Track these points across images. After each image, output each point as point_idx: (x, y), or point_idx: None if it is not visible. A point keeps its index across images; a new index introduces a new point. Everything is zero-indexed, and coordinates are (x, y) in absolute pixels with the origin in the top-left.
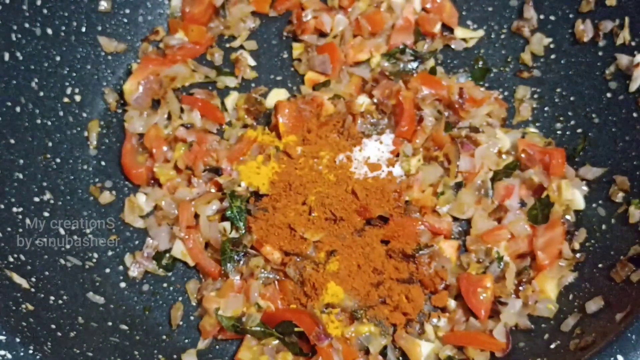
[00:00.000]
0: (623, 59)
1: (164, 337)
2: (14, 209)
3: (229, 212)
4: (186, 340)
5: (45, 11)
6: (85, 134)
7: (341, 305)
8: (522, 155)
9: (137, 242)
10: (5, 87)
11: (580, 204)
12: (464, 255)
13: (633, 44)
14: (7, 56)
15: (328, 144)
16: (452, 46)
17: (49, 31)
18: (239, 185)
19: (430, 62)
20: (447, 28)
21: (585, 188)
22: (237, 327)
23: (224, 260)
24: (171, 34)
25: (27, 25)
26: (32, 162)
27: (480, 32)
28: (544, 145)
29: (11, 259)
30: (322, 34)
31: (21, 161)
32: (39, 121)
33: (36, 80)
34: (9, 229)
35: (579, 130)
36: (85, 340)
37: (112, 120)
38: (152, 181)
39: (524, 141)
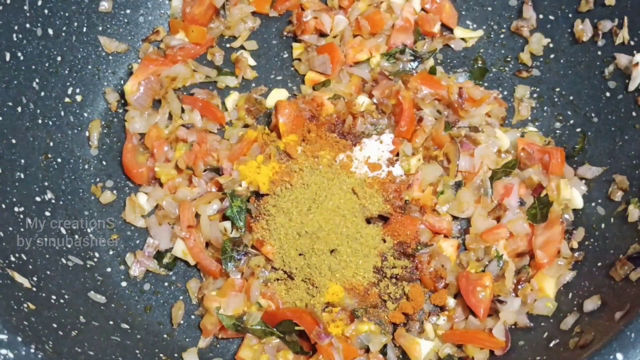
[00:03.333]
0: (622, 59)
1: (165, 335)
2: (16, 209)
3: (230, 211)
4: (187, 339)
5: (46, 11)
6: (87, 133)
7: (341, 304)
8: (522, 154)
9: (138, 242)
10: (7, 87)
11: (579, 203)
12: (463, 253)
13: (632, 43)
14: (8, 56)
15: (328, 143)
16: (452, 46)
17: (50, 31)
18: (240, 185)
19: (430, 62)
20: (446, 28)
21: (584, 187)
22: (237, 325)
23: (225, 259)
24: (172, 35)
25: (28, 25)
26: (34, 161)
27: (480, 32)
28: (543, 144)
29: (13, 258)
30: (322, 34)
31: (22, 161)
32: (40, 121)
33: (37, 80)
34: (10, 229)
35: (578, 130)
36: (86, 339)
37: (113, 120)
38: (153, 181)
39: (523, 140)
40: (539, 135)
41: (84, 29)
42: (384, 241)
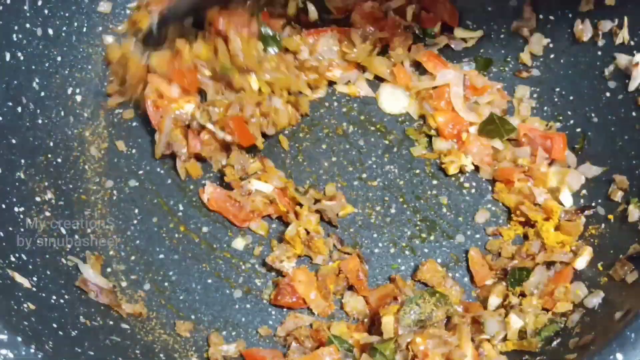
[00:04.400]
0: (622, 59)
1: (165, 337)
2: (15, 209)
3: None
4: None
5: (46, 11)
6: (87, 133)
7: None
8: (523, 139)
9: (138, 242)
10: (7, 87)
11: (568, 202)
12: None
13: (632, 43)
14: (8, 56)
15: None
16: (452, 46)
17: (50, 31)
18: None
19: None
20: (447, 28)
21: (584, 179)
22: None
23: None
24: None
25: (28, 25)
26: (34, 161)
27: (480, 32)
28: (544, 129)
29: (12, 259)
30: None
31: (22, 161)
32: (40, 121)
33: (37, 80)
34: (10, 229)
35: (578, 130)
36: (86, 339)
37: (113, 120)
38: None
39: (524, 126)
40: (540, 121)
41: (84, 29)
42: None
